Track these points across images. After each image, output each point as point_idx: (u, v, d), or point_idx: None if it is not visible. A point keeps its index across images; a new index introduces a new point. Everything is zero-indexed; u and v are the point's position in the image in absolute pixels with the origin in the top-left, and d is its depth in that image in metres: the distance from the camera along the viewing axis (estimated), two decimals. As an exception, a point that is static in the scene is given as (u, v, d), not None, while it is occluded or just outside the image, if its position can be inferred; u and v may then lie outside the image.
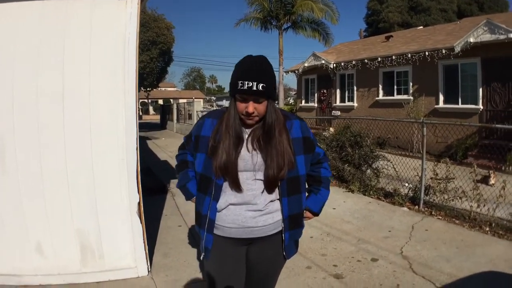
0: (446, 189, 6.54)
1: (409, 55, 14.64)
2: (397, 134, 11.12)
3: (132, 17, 3.98)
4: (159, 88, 47.77)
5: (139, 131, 4.21)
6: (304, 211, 2.38)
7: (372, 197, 7.56)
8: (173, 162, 2.90)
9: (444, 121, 9.75)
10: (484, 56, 12.48)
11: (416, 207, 6.73)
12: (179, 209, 6.88)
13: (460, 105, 13.39)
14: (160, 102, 56.44)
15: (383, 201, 7.30)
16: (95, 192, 3.98)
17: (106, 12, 3.95)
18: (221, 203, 2.17)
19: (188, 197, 2.41)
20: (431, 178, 6.77)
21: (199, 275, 4.27)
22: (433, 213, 6.37)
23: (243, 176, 2.15)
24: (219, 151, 2.11)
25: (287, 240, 2.27)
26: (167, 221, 6.27)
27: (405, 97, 15.33)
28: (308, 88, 21.71)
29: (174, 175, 3.19)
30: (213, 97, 66.92)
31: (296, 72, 21.56)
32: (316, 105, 20.75)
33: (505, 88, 12.05)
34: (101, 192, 4.01)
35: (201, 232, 2.25)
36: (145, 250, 4.21)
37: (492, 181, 8.19)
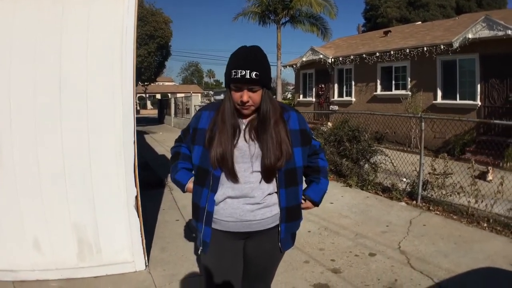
0: (444, 184, 6.54)
1: (407, 50, 14.62)
2: (395, 129, 11.11)
3: (129, 10, 3.95)
4: (156, 83, 47.55)
5: (137, 126, 4.19)
6: (305, 201, 2.39)
7: (370, 192, 7.56)
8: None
9: (442, 116, 9.76)
10: (483, 52, 12.47)
11: (414, 202, 6.73)
12: (177, 203, 6.87)
13: (458, 101, 13.39)
14: (158, 96, 56.25)
15: (381, 195, 7.31)
16: (92, 186, 3.96)
17: (104, 4, 3.92)
18: (218, 196, 2.16)
19: (181, 188, 2.39)
20: (429, 173, 6.77)
21: (197, 269, 4.26)
22: (431, 208, 6.37)
23: (240, 168, 2.14)
24: (215, 141, 2.11)
25: (283, 232, 2.26)
26: (165, 215, 6.26)
27: (403, 92, 15.33)
28: (306, 82, 21.69)
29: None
30: (211, 92, 66.63)
31: (294, 66, 21.53)
32: (314, 99, 20.73)
33: (503, 84, 12.05)
34: (98, 186, 3.99)
35: (199, 226, 2.23)
36: (142, 244, 4.20)
37: (490, 177, 8.19)
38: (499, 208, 5.63)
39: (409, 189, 7.10)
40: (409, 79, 15.32)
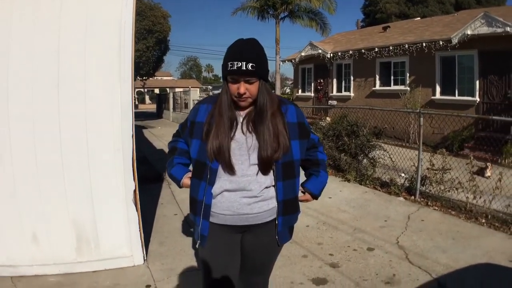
0: (443, 179, 6.54)
1: (406, 46, 14.58)
2: (394, 124, 11.12)
3: (128, 4, 3.93)
4: (155, 77, 47.62)
5: (135, 120, 4.18)
6: (304, 193, 2.40)
7: (368, 187, 7.56)
8: (169, 151, 2.90)
9: (441, 112, 9.76)
10: (481, 48, 12.44)
11: (412, 197, 6.74)
12: (175, 198, 6.87)
13: (456, 97, 13.37)
14: (156, 91, 56.15)
15: (379, 190, 7.31)
16: (90, 180, 3.95)
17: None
18: (215, 189, 2.15)
19: (177, 184, 2.39)
20: (428, 169, 6.77)
21: (195, 263, 4.27)
22: (429, 203, 6.37)
23: (237, 161, 2.13)
24: (212, 134, 2.11)
25: (280, 225, 2.25)
26: (163, 209, 6.26)
27: (402, 87, 15.30)
28: (304, 77, 21.64)
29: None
30: (209, 86, 66.57)
31: (293, 61, 21.48)
32: (312, 94, 20.69)
33: (502, 81, 12.04)
34: (96, 180, 3.98)
35: (197, 219, 2.23)
36: (141, 238, 4.20)
37: (488, 173, 8.19)
38: (497, 204, 5.64)
39: (407, 184, 7.10)
40: (408, 75, 15.29)
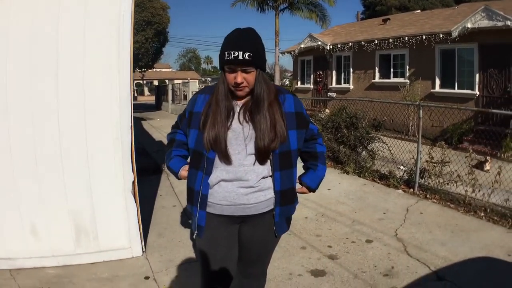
0: (441, 172, 6.54)
1: (406, 39, 14.53)
2: (393, 117, 11.09)
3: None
4: (154, 69, 47.40)
5: (134, 112, 4.16)
6: (300, 186, 2.40)
7: (367, 179, 7.57)
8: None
9: (440, 105, 9.74)
10: (482, 42, 12.39)
11: (411, 190, 6.74)
12: (174, 189, 6.87)
13: (456, 90, 13.34)
14: (155, 83, 56.08)
15: (378, 183, 7.31)
16: (89, 171, 3.94)
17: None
18: (212, 179, 2.15)
19: (175, 176, 2.39)
20: (427, 161, 6.77)
21: (193, 255, 4.27)
22: (428, 196, 6.38)
23: (234, 151, 2.13)
24: (208, 123, 2.11)
25: (277, 215, 2.25)
26: (162, 201, 6.26)
27: (401, 80, 15.27)
28: (304, 69, 21.59)
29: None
30: (208, 78, 66.45)
31: (292, 53, 21.42)
32: (312, 86, 20.66)
33: (501, 74, 12.01)
34: (95, 171, 3.96)
35: (194, 210, 2.23)
36: (139, 230, 4.20)
37: (487, 167, 8.19)
38: (496, 198, 5.63)
39: (406, 177, 7.10)
40: (407, 67, 15.24)
